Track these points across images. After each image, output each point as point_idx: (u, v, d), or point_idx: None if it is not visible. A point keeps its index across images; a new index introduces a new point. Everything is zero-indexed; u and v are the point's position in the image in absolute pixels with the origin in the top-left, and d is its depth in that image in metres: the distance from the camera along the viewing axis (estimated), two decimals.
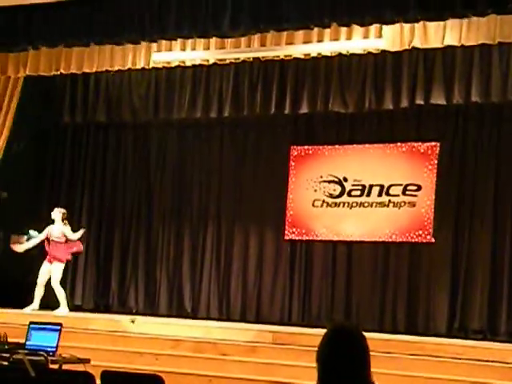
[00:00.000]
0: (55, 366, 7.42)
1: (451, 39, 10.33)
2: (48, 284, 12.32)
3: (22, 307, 12.09)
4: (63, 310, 12.09)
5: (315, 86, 11.93)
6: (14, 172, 13.46)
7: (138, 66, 11.91)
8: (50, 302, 12.49)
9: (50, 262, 12.22)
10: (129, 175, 13.93)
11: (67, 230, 12.36)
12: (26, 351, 7.43)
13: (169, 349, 10.28)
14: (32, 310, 12.04)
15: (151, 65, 11.82)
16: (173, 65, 12.03)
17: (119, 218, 13.87)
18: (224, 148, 13.42)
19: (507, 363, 9.19)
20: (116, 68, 12.01)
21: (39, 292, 12.22)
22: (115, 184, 13.98)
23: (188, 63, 11.98)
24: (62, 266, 12.27)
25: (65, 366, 7.49)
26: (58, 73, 12.04)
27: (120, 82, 13.22)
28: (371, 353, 3.42)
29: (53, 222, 12.42)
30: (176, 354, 10.12)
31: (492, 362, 9.21)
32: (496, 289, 11.37)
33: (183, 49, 11.58)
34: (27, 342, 7.74)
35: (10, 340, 7.96)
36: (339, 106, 11.82)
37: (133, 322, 11.34)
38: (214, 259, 13.20)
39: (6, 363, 7.25)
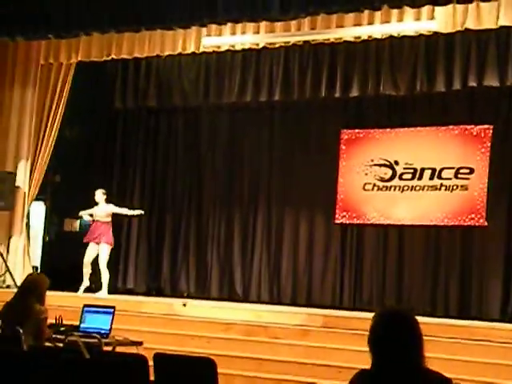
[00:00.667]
0: (109, 348, 7.52)
1: (505, 20, 10.17)
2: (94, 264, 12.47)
3: (76, 290, 12.26)
4: (103, 292, 12.21)
5: (366, 69, 11.85)
6: (67, 157, 13.66)
7: (188, 51, 11.96)
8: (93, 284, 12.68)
9: (97, 243, 12.33)
10: (179, 160, 14.00)
11: (112, 207, 12.46)
12: (80, 333, 7.55)
13: (220, 332, 10.34)
14: (84, 288, 12.21)
15: (201, 49, 11.86)
16: (223, 49, 12.05)
17: (170, 203, 13.96)
18: (274, 132, 13.41)
19: None
20: (166, 53, 12.08)
21: (86, 270, 12.35)
22: (166, 169, 14.07)
23: (238, 47, 11.99)
24: (109, 247, 12.37)
25: (118, 349, 7.58)
26: (110, 58, 12.16)
27: (170, 67, 13.28)
28: (425, 337, 3.40)
29: (96, 204, 12.51)
30: (227, 337, 10.18)
31: None
32: None
33: (233, 33, 11.60)
34: (81, 325, 7.85)
35: (64, 322, 8.08)
36: (390, 88, 11.72)
37: (184, 305, 11.42)
38: (264, 243, 13.23)
39: (61, 345, 7.37)
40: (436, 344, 8.76)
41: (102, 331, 7.65)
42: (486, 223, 11.66)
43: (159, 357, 6.08)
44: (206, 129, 13.88)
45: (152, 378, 5.89)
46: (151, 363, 5.94)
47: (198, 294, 13.33)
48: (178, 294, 13.21)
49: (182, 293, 13.38)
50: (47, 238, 14.18)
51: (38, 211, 14.05)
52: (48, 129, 12.89)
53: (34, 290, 7.03)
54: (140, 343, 7.77)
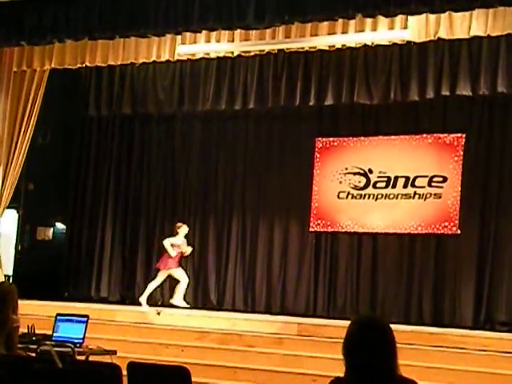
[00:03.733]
0: (82, 358, 7.47)
1: (477, 30, 10.25)
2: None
3: (48, 299, 12.17)
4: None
5: (340, 77, 11.90)
6: (40, 164, 13.56)
7: (163, 59, 11.91)
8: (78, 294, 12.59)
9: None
10: (154, 167, 13.97)
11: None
12: (53, 343, 7.49)
13: (194, 340, 10.32)
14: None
15: (176, 57, 11.82)
16: (197, 57, 12.03)
17: (145, 211, 13.92)
18: (249, 140, 13.43)
19: None
20: (141, 60, 12.03)
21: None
22: (140, 176, 14.04)
23: (212, 55, 11.98)
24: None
25: (91, 358, 7.53)
26: (83, 65, 12.09)
27: (145, 75, 13.26)
28: (398, 345, 3.41)
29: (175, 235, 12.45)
30: (202, 345, 10.16)
31: None
32: None
33: (208, 41, 11.58)
34: (54, 334, 7.79)
35: (37, 331, 8.02)
36: (364, 97, 11.77)
37: (158, 313, 11.40)
38: (239, 251, 13.23)
39: (33, 354, 7.31)
40: (409, 351, 8.81)
41: (75, 340, 7.59)
42: (458, 231, 11.74)
43: (133, 366, 6.05)
44: (181, 137, 13.87)
45: None
46: (125, 372, 5.91)
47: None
48: (152, 303, 13.15)
49: (157, 301, 13.32)
50: (20, 247, 14.06)
51: (11, 219, 13.93)
52: (21, 136, 12.77)
53: (10, 301, 6.96)
54: (114, 352, 7.72)
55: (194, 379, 5.82)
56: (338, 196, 12.66)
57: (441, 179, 12.00)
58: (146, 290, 12.33)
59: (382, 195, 12.37)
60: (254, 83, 12.48)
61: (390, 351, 3.44)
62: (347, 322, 3.59)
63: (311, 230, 12.78)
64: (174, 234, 12.37)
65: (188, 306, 12.26)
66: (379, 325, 3.51)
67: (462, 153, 11.89)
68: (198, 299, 13.26)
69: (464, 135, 11.91)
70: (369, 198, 12.46)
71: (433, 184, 12.05)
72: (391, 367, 3.43)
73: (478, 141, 11.90)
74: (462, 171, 11.86)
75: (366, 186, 12.48)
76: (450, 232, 11.82)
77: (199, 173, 13.68)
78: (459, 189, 11.84)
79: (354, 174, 12.58)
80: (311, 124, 13.01)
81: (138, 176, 14.06)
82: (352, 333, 3.51)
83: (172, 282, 13.45)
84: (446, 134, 12.04)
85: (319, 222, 12.73)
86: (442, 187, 11.99)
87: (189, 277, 13.30)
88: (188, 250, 12.34)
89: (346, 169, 12.65)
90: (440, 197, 11.98)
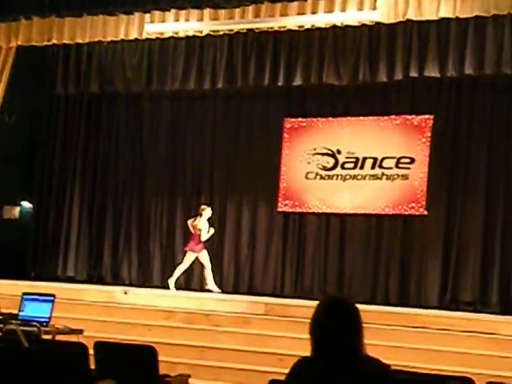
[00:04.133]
0: (48, 337, 7.44)
1: (446, 11, 10.30)
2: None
3: (15, 278, 12.09)
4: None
5: (309, 58, 11.88)
6: (7, 143, 13.42)
7: (131, 37, 11.84)
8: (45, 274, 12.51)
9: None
10: (122, 146, 13.90)
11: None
12: (18, 322, 7.44)
13: (161, 320, 10.32)
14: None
15: (144, 36, 11.74)
16: (166, 36, 11.96)
17: (112, 190, 13.85)
18: (217, 120, 13.39)
19: (497, 334, 9.26)
20: (109, 39, 11.94)
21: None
22: (108, 155, 13.95)
23: (181, 34, 11.92)
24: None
25: (58, 337, 7.50)
26: (51, 43, 11.97)
27: (113, 53, 13.14)
28: (364, 325, 3.43)
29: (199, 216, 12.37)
30: (169, 325, 10.16)
31: (482, 333, 9.28)
32: (487, 261, 11.43)
33: (177, 20, 11.51)
34: (20, 313, 7.74)
35: (3, 311, 7.96)
36: (333, 78, 11.77)
37: (126, 293, 11.37)
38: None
39: None
40: (376, 331, 8.86)
41: (42, 319, 7.56)
42: (425, 212, 11.83)
43: (100, 345, 6.04)
44: (149, 116, 13.80)
45: (93, 366, 5.84)
46: (92, 352, 5.90)
47: (139, 281, 13.26)
48: (119, 282, 13.13)
49: (124, 280, 13.30)
50: None
51: None
52: None
53: None
54: (80, 331, 7.69)
55: (160, 358, 5.83)
56: (307, 176, 12.68)
57: (408, 160, 12.07)
58: (175, 272, 12.30)
59: (350, 176, 12.41)
60: (222, 63, 12.42)
61: (356, 331, 3.46)
62: (314, 302, 3.61)
63: (279, 210, 12.80)
64: (198, 215, 12.34)
65: (219, 290, 12.24)
66: (345, 305, 3.53)
67: (429, 134, 11.96)
68: (166, 279, 13.21)
69: (432, 117, 11.97)
70: (337, 178, 12.49)
71: (400, 165, 12.11)
72: (357, 347, 3.45)
73: (445, 122, 11.98)
74: (430, 153, 11.93)
75: (334, 167, 12.52)
76: (416, 213, 11.91)
77: (167, 152, 13.63)
78: (426, 170, 11.92)
79: (323, 154, 12.61)
80: (280, 104, 13.01)
81: (105, 155, 13.98)
82: (318, 313, 3.52)
83: (142, 258, 13.45)
84: (413, 116, 12.10)
85: (287, 202, 12.75)
86: (409, 168, 12.06)
87: (156, 256, 13.31)
88: (204, 234, 12.19)
89: (315, 149, 12.67)
90: (407, 178, 12.05)
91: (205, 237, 12.19)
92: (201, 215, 12.26)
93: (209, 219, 12.34)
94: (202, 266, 12.37)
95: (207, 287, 12.24)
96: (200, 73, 12.55)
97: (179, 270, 12.33)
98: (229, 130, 13.28)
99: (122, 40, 12.05)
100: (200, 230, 12.18)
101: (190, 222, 12.43)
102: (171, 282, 12.23)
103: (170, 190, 13.52)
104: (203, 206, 12.36)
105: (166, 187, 13.55)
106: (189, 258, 12.32)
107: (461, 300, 11.49)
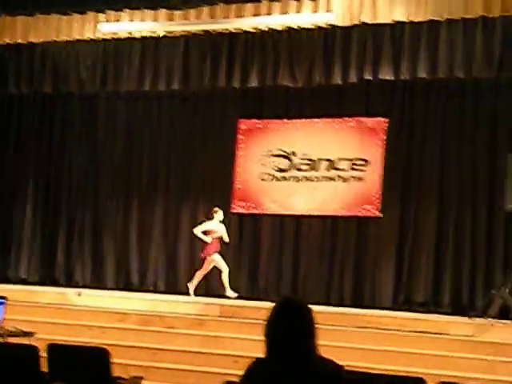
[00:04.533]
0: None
1: (400, 15, 10.43)
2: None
3: None
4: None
5: (264, 59, 11.88)
6: None
7: (86, 37, 11.76)
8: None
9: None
10: (76, 147, 13.77)
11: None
12: None
13: (115, 322, 10.26)
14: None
15: (99, 36, 11.67)
16: (121, 36, 11.91)
17: (66, 191, 13.73)
18: (173, 121, 13.35)
19: (449, 334, 9.37)
20: (63, 38, 11.84)
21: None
22: (62, 155, 13.82)
23: (136, 35, 11.88)
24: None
25: (10, 340, 7.41)
26: (4, 42, 11.83)
27: (67, 53, 12.97)
28: (318, 326, 3.45)
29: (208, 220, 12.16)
30: (123, 326, 10.11)
31: (434, 333, 9.39)
32: (440, 263, 11.56)
33: (131, 20, 11.47)
34: None
35: None
36: (288, 80, 11.80)
37: (79, 295, 11.28)
38: (161, 232, 13.17)
39: None
40: (330, 332, 8.92)
41: None
42: (380, 214, 11.92)
43: (53, 347, 5.99)
44: (104, 117, 13.70)
45: (45, 368, 5.79)
46: (45, 354, 5.84)
47: (93, 283, 13.16)
48: (72, 284, 13.02)
49: (77, 282, 13.19)
50: None
51: None
52: None
53: None
54: (32, 334, 7.62)
55: (114, 360, 5.80)
56: (262, 178, 12.71)
57: (363, 162, 12.16)
58: (194, 278, 12.05)
59: (305, 178, 12.47)
60: (178, 64, 12.35)
61: (310, 332, 3.48)
62: (269, 304, 3.62)
63: (234, 211, 12.80)
64: (209, 217, 12.14)
65: (235, 294, 11.94)
66: (299, 307, 3.54)
67: (384, 137, 12.06)
68: (120, 281, 13.17)
69: (386, 120, 12.08)
70: (292, 180, 12.54)
71: (355, 167, 12.20)
72: (310, 348, 3.46)
73: (399, 125, 12.09)
74: (384, 155, 12.03)
75: (289, 169, 12.56)
76: (371, 215, 12.00)
77: (122, 153, 13.55)
78: (381, 172, 12.02)
79: (278, 156, 12.64)
80: (235, 106, 13.02)
81: (59, 155, 13.83)
82: (273, 315, 3.53)
83: (96, 260, 13.35)
84: (368, 118, 12.19)
85: (242, 203, 12.76)
86: (364, 170, 12.14)
87: (110, 258, 13.22)
88: (224, 235, 11.99)
89: (270, 151, 12.70)
90: (362, 180, 12.14)
91: (196, 230, 11.96)
92: (212, 218, 12.03)
93: (221, 221, 12.08)
94: (219, 271, 12.07)
95: (226, 293, 11.93)
96: (155, 74, 12.47)
97: (198, 276, 11.99)
98: (184, 131, 13.24)
99: (77, 40, 11.96)
100: (215, 232, 11.93)
101: (198, 229, 12.03)
102: (191, 288, 11.98)
103: (124, 191, 13.44)
104: (216, 209, 12.08)
105: (120, 188, 13.47)
106: (220, 260, 12.01)
107: (414, 301, 11.61)
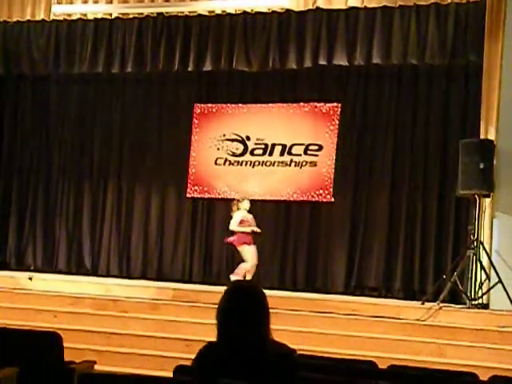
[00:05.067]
0: None
1: (354, 1, 10.44)
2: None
3: None
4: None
5: (219, 43, 11.84)
6: None
7: (38, 18, 11.60)
8: None
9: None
10: (27, 129, 13.60)
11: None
12: None
13: (68, 306, 10.19)
14: None
15: (51, 17, 11.52)
16: (74, 18, 11.76)
17: (17, 173, 13.56)
18: (126, 104, 13.25)
19: (400, 319, 9.48)
20: (14, 19, 11.67)
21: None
22: (13, 138, 13.64)
23: (90, 16, 11.75)
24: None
25: None
26: None
27: (19, 34, 12.79)
28: (272, 310, 3.47)
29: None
30: (75, 311, 10.04)
31: (386, 317, 9.49)
32: (392, 248, 11.68)
33: (85, 1, 11.33)
34: None
35: None
36: (243, 64, 11.78)
37: (30, 279, 11.18)
38: (114, 216, 13.10)
39: None
40: (283, 316, 8.98)
41: None
42: (332, 199, 11.99)
43: (3, 332, 5.92)
44: (56, 99, 13.54)
45: None
46: None
47: (45, 267, 13.05)
48: (24, 268, 12.90)
49: (29, 266, 13.07)
50: None
51: None
52: None
53: None
54: None
55: (66, 345, 5.75)
56: (216, 162, 12.69)
57: (316, 147, 12.20)
58: (239, 271, 11.55)
59: (259, 162, 12.48)
60: (132, 47, 12.25)
61: (262, 316, 3.50)
62: (222, 288, 3.63)
63: (188, 195, 12.77)
64: (233, 209, 11.72)
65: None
66: (252, 291, 3.56)
67: (337, 122, 12.12)
68: (72, 264, 13.08)
69: (339, 105, 12.14)
70: (246, 165, 12.54)
71: (309, 152, 12.24)
72: (262, 332, 3.48)
73: (353, 111, 12.16)
74: (337, 140, 12.09)
75: (243, 153, 12.56)
76: (324, 200, 12.06)
77: (75, 136, 13.42)
78: (334, 157, 12.08)
79: (232, 140, 12.64)
80: (190, 89, 12.96)
81: (10, 137, 13.65)
82: (225, 299, 3.54)
83: (48, 243, 13.24)
84: (322, 103, 12.23)
85: (196, 188, 12.73)
86: (317, 155, 12.19)
87: (62, 241, 13.11)
88: (232, 224, 11.57)
89: (224, 135, 12.69)
90: (315, 165, 12.19)
91: (232, 226, 11.59)
92: (237, 209, 11.69)
93: (249, 211, 11.69)
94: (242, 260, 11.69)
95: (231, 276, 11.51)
96: (109, 56, 12.36)
97: (244, 269, 11.54)
98: (138, 114, 13.16)
99: (29, 21, 11.79)
100: (247, 221, 11.58)
101: (233, 224, 11.60)
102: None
103: (76, 174, 13.32)
104: (241, 197, 11.84)
105: (72, 171, 13.35)
106: (246, 253, 11.61)
107: (366, 286, 11.73)
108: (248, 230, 11.51)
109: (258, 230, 11.55)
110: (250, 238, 11.55)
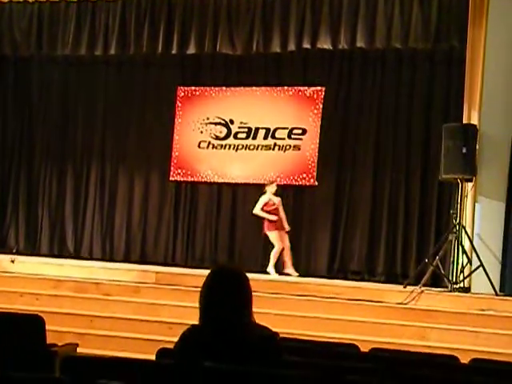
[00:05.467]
0: None
1: None
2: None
3: None
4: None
5: (203, 26, 11.78)
6: None
7: None
8: None
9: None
10: (9, 111, 13.52)
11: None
12: None
13: (50, 289, 10.16)
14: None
15: None
16: None
17: None
18: (109, 87, 13.19)
19: (382, 302, 9.53)
20: None
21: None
22: None
23: None
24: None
25: None
26: None
27: (0, 15, 12.68)
28: (255, 293, 3.47)
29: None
30: (57, 294, 10.02)
31: (368, 301, 9.53)
32: (375, 232, 11.73)
33: None
34: None
35: None
36: (227, 47, 11.73)
37: (13, 261, 11.14)
38: (97, 199, 13.06)
39: None
40: (266, 300, 9.00)
41: None
42: (316, 183, 12.01)
43: None
44: (38, 81, 13.46)
45: None
46: None
47: (27, 250, 13.01)
48: (6, 250, 12.84)
49: (11, 249, 13.02)
50: None
51: None
52: None
53: None
54: None
55: (48, 328, 5.74)
56: (199, 146, 12.67)
57: (300, 131, 12.20)
58: (270, 259, 11.45)
59: (243, 146, 12.46)
60: (115, 29, 12.16)
61: (245, 300, 3.50)
62: (205, 271, 3.63)
63: (171, 179, 12.75)
64: (262, 193, 11.63)
65: (275, 275, 11.24)
66: (234, 274, 3.56)
67: (321, 106, 12.12)
68: (55, 247, 13.05)
69: (323, 89, 12.13)
70: (229, 148, 12.53)
71: (292, 136, 12.24)
72: (245, 315, 3.49)
73: (336, 95, 12.16)
74: (321, 124, 12.09)
75: (226, 137, 12.54)
76: (307, 183, 12.07)
77: (57, 118, 13.35)
78: (317, 141, 12.08)
79: (216, 124, 12.61)
80: (173, 72, 12.91)
81: None
82: (207, 282, 3.55)
83: (30, 226, 13.19)
84: (306, 87, 12.22)
85: (179, 171, 12.71)
86: (301, 139, 12.20)
87: (45, 224, 13.07)
88: (256, 207, 11.47)
89: (208, 118, 12.66)
90: (299, 149, 12.19)
91: (254, 210, 11.52)
92: (265, 192, 11.58)
93: (275, 193, 11.59)
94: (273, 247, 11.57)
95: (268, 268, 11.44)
96: (92, 38, 12.27)
97: (272, 255, 11.45)
98: (121, 97, 13.10)
99: (11, 1, 11.69)
100: (273, 204, 11.49)
101: (257, 208, 11.52)
102: (270, 269, 11.42)
103: (59, 157, 13.27)
104: (269, 181, 11.78)
105: (55, 154, 13.29)
106: (272, 239, 11.53)
107: (348, 269, 11.77)
108: (268, 217, 11.42)
109: (274, 218, 11.43)
110: (274, 224, 11.46)
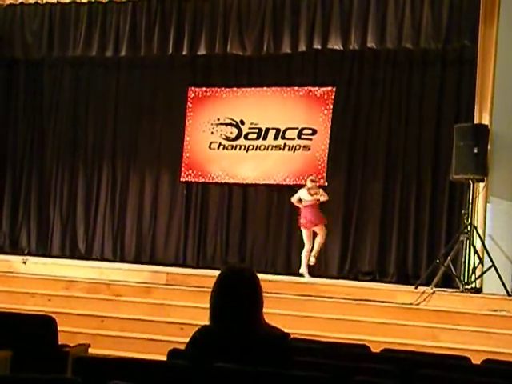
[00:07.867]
0: None
1: None
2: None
3: None
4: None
5: (213, 27, 11.80)
6: None
7: (31, 1, 11.52)
8: None
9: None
10: (21, 113, 13.56)
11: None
12: None
13: (62, 290, 10.19)
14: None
15: (44, 0, 11.45)
16: (67, 0, 11.69)
17: (11, 157, 13.53)
18: (120, 88, 13.21)
19: (393, 303, 9.52)
20: (7, 2, 11.60)
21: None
22: (7, 122, 13.59)
23: None
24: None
25: None
26: None
27: (12, 17, 12.73)
28: (265, 294, 3.47)
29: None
30: (69, 294, 10.05)
31: (379, 301, 9.52)
32: (386, 232, 11.70)
33: None
34: None
35: None
36: (237, 48, 11.74)
37: (24, 262, 11.18)
38: (108, 200, 13.09)
39: None
40: (278, 300, 9.00)
41: None
42: (326, 183, 11.99)
43: None
44: (50, 83, 13.49)
45: None
46: None
47: (39, 251, 13.04)
48: (18, 252, 12.88)
49: (23, 250, 13.06)
50: None
51: None
52: None
53: None
54: None
55: (60, 328, 5.77)
56: (210, 146, 12.67)
57: (310, 132, 12.19)
58: (302, 260, 11.43)
59: (253, 146, 12.46)
60: (126, 30, 12.19)
61: (256, 300, 3.50)
62: (216, 272, 3.63)
63: (182, 180, 12.77)
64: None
65: (307, 277, 11.12)
66: (245, 274, 3.56)
67: (331, 106, 12.11)
68: (66, 248, 13.08)
69: (334, 89, 12.12)
70: (240, 149, 12.53)
71: (302, 136, 12.23)
72: (256, 316, 3.49)
73: (347, 95, 12.14)
74: (331, 124, 12.08)
75: (237, 137, 12.54)
76: (317, 184, 12.03)
77: (68, 120, 13.38)
78: (327, 142, 12.07)
79: (226, 124, 12.62)
80: (184, 73, 12.92)
81: (3, 121, 13.60)
82: (218, 283, 3.55)
83: (42, 227, 13.21)
84: (316, 88, 12.21)
85: (190, 172, 12.72)
86: (311, 139, 12.19)
87: (56, 225, 13.09)
88: (293, 198, 11.50)
89: (218, 119, 12.66)
90: (309, 149, 12.19)
91: (292, 199, 11.55)
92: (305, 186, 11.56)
93: (308, 189, 11.46)
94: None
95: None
96: (102, 40, 12.30)
97: (303, 255, 11.37)
98: (132, 98, 13.12)
99: (22, 3, 11.72)
100: (305, 200, 11.41)
101: (294, 197, 11.52)
102: (303, 270, 11.33)
103: (71, 158, 13.30)
104: (308, 177, 11.62)
105: (66, 155, 13.32)
106: (306, 237, 11.42)
107: (360, 270, 11.75)
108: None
109: (300, 216, 11.40)
110: (302, 223, 11.43)
